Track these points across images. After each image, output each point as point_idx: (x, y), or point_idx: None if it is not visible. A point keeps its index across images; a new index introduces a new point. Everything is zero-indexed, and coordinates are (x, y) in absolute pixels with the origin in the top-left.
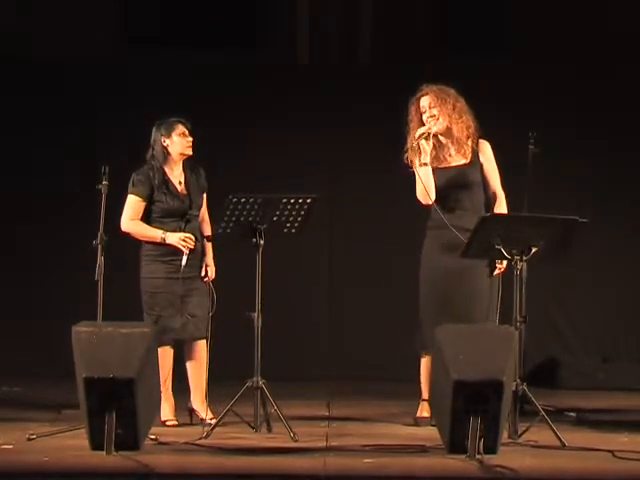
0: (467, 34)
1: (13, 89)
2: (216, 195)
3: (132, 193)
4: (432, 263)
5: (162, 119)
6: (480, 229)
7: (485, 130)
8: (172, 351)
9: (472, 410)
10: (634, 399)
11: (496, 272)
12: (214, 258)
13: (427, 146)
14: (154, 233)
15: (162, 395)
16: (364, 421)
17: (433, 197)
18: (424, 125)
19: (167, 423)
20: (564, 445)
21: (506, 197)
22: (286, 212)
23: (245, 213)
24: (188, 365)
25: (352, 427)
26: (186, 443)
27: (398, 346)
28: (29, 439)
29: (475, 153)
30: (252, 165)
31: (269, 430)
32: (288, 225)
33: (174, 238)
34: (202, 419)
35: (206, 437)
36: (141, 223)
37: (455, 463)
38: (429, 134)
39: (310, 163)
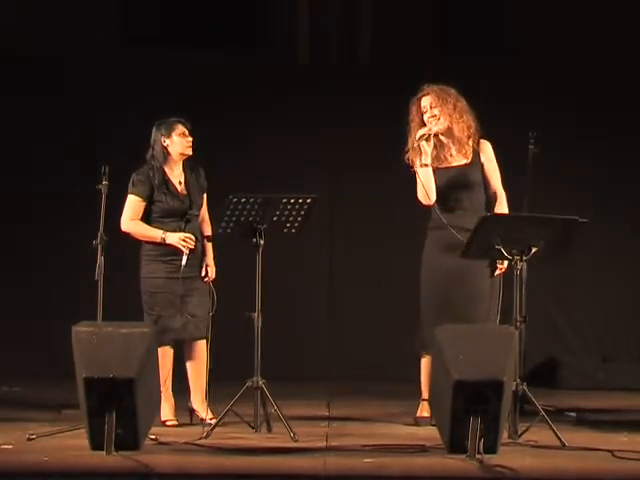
0: (467, 34)
1: (13, 89)
2: (216, 195)
3: (132, 193)
4: (433, 264)
5: (162, 119)
6: (480, 229)
7: (485, 130)
8: (172, 351)
9: (472, 410)
10: (634, 399)
11: (497, 272)
12: (214, 258)
13: (427, 147)
14: (154, 233)
15: (162, 395)
16: (364, 421)
17: (434, 198)
18: (425, 125)
19: (167, 423)
20: (564, 445)
21: (506, 197)
22: (286, 212)
23: (245, 213)
24: (188, 365)
25: (352, 427)
26: (186, 443)
27: (398, 346)
28: (29, 439)
29: (476, 153)
30: (252, 165)
31: (269, 430)
32: (288, 225)
33: (174, 238)
34: (202, 419)
35: (206, 437)
36: (141, 223)
37: (455, 463)
38: (430, 135)
39: (310, 163)
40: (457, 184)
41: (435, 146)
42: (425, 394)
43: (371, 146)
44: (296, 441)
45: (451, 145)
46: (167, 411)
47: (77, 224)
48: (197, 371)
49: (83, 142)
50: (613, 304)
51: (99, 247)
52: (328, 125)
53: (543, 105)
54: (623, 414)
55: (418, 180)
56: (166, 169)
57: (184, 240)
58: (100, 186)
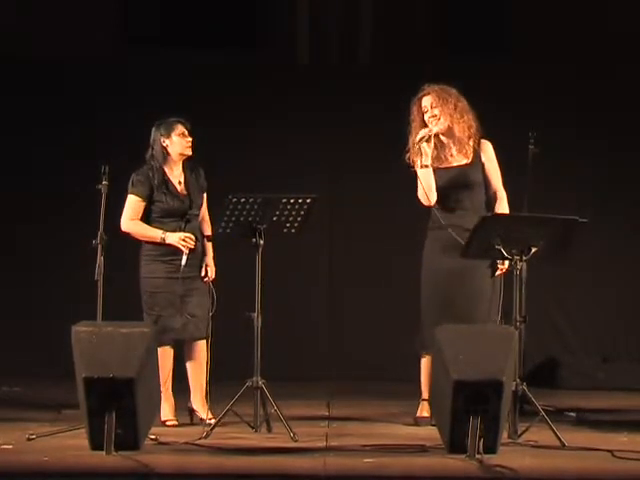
0: (467, 34)
1: (13, 89)
2: (216, 195)
3: (132, 193)
4: (433, 264)
5: (162, 119)
6: (480, 229)
7: (485, 130)
8: (172, 351)
9: (472, 410)
10: (634, 399)
11: (498, 273)
12: (214, 258)
13: (428, 149)
14: (154, 233)
15: (162, 395)
16: (364, 421)
17: (434, 199)
18: (426, 125)
19: (167, 423)
20: (564, 445)
21: (507, 197)
22: (286, 212)
23: (245, 213)
24: (188, 365)
25: (352, 427)
26: (186, 443)
27: (398, 346)
28: (29, 439)
29: (476, 153)
30: (252, 165)
31: (269, 430)
32: (288, 225)
33: (174, 238)
34: (202, 419)
35: (206, 437)
36: (141, 223)
37: (455, 463)
38: (430, 137)
39: (310, 163)
40: (457, 184)
41: (435, 146)
42: (425, 394)
43: (371, 146)
44: (296, 441)
45: (452, 145)
46: (167, 411)
47: (77, 224)
48: (197, 371)
49: (83, 142)
50: (613, 304)
51: (99, 247)
52: (328, 125)
53: (543, 105)
54: (623, 414)
55: (418, 180)
56: (166, 169)
57: (184, 240)
58: (100, 186)
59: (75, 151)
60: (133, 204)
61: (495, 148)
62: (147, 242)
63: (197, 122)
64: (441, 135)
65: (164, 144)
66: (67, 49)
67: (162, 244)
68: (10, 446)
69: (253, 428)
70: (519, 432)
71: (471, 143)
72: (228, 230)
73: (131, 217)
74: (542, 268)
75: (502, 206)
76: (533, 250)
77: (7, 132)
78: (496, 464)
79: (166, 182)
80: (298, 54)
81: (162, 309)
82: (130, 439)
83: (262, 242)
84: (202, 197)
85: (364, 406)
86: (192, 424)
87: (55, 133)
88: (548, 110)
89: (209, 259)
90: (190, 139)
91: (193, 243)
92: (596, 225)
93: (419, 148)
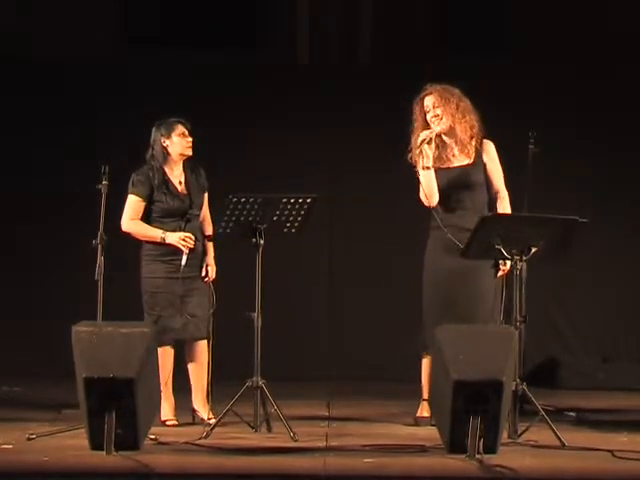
0: (467, 34)
1: (13, 89)
2: (216, 195)
3: (132, 193)
4: (435, 264)
5: (162, 119)
6: (480, 229)
7: (485, 130)
8: (172, 351)
9: (472, 410)
10: (634, 399)
11: (499, 274)
12: (215, 258)
13: (429, 150)
14: (154, 233)
15: (162, 395)
16: (364, 421)
17: (435, 200)
18: (428, 124)
19: (167, 423)
20: (564, 445)
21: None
22: (286, 212)
23: (245, 213)
24: (189, 366)
25: (352, 427)
26: (186, 443)
27: (398, 346)
28: (29, 439)
29: (478, 153)
30: (252, 165)
31: (269, 430)
32: (288, 225)
33: (174, 238)
34: (202, 419)
35: (206, 437)
36: (141, 223)
37: (455, 463)
38: (431, 138)
39: (310, 163)
40: (459, 184)
41: (437, 146)
42: (425, 394)
43: (371, 146)
44: (296, 441)
45: (453, 145)
46: (167, 411)
47: (77, 224)
48: (198, 372)
49: (83, 142)
50: (613, 304)
51: (99, 247)
52: (328, 125)
53: (543, 105)
54: (623, 414)
55: (420, 182)
56: (166, 169)
57: (184, 240)
58: (100, 186)
59: (75, 151)
60: (133, 204)
61: (495, 148)
62: (147, 242)
63: (197, 122)
64: (443, 135)
65: (164, 144)
66: (67, 49)
67: (162, 244)
68: (10, 446)
69: (253, 428)
70: (519, 432)
71: (473, 143)
72: (228, 230)
73: (131, 217)
74: (542, 268)
75: (504, 206)
76: (533, 250)
77: (7, 132)
78: (496, 464)
79: (166, 182)
80: (298, 54)
81: (162, 309)
82: (130, 439)
83: (262, 242)
84: (203, 197)
85: (364, 406)
86: (194, 424)
87: (55, 133)
88: (548, 110)
89: (210, 259)
90: (190, 139)
91: (193, 243)
92: (596, 225)
93: (420, 150)
